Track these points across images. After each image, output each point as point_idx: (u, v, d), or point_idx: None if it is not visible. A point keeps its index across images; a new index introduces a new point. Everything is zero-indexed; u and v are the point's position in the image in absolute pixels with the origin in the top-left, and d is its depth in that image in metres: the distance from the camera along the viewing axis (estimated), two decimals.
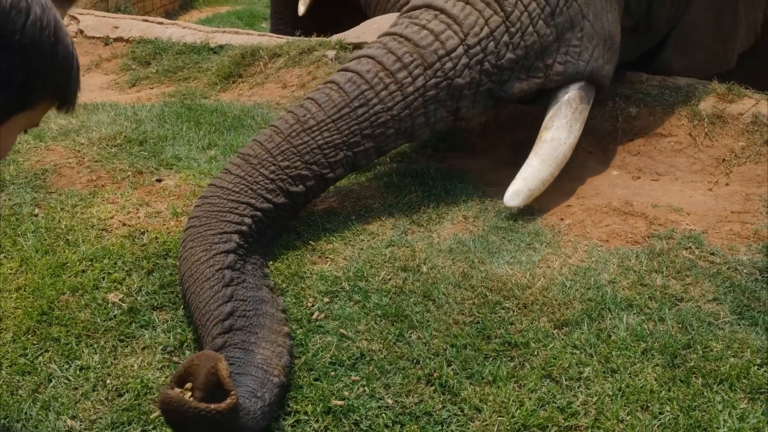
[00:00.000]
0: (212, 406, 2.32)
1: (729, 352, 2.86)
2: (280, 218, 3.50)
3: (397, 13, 5.26)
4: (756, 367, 2.78)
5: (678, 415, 2.58)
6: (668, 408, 2.61)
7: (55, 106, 1.77)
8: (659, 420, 2.56)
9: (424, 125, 3.82)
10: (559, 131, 4.03)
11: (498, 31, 3.84)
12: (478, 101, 3.93)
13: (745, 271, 3.34)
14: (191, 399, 2.33)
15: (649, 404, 2.63)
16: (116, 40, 7.69)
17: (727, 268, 3.36)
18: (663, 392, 2.68)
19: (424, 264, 3.41)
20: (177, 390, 2.35)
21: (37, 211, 3.82)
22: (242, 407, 2.46)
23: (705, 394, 2.67)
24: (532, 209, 3.98)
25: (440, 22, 3.84)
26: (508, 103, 4.24)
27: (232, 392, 2.35)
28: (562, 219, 3.87)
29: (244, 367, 2.69)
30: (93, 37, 7.83)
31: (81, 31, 7.96)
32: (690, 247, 3.52)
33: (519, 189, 3.86)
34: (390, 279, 3.32)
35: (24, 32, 1.59)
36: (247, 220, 3.29)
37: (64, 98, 1.76)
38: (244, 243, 3.23)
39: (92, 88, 6.77)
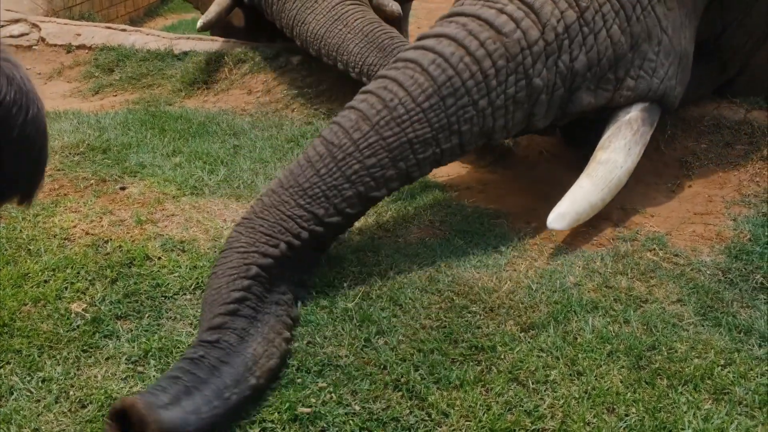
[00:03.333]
0: None
1: (693, 353, 2.88)
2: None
3: None
4: (720, 367, 2.81)
5: (644, 417, 2.59)
6: (634, 410, 2.62)
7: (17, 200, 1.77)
8: (625, 422, 2.58)
9: (503, 129, 3.50)
10: (615, 153, 3.68)
11: (572, 28, 3.48)
12: (551, 110, 3.56)
13: (708, 272, 3.38)
14: None
15: (615, 406, 2.65)
16: (79, 47, 7.61)
17: (691, 270, 3.40)
18: (629, 394, 2.69)
19: (391, 269, 3.41)
20: None
21: None
22: (200, 413, 2.50)
23: (670, 395, 2.69)
24: (498, 213, 3.99)
25: (517, 8, 3.46)
26: (570, 119, 3.78)
27: None
28: (528, 222, 3.88)
29: (231, 357, 2.70)
30: (55, 45, 7.74)
31: (43, 39, 7.86)
32: (654, 249, 3.55)
33: (565, 212, 3.53)
34: (357, 284, 3.31)
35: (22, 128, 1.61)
36: (304, 234, 3.10)
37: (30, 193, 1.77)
38: (294, 252, 3.08)
39: (54, 96, 6.69)
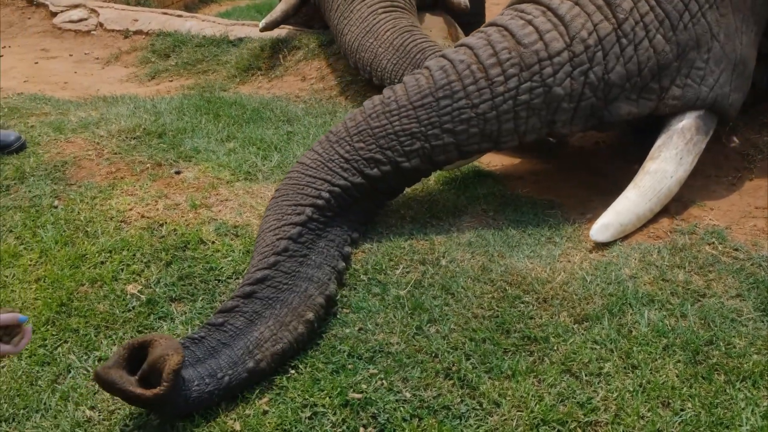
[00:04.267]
0: (139, 391, 2.42)
1: (752, 349, 2.81)
2: (363, 198, 3.48)
3: None
4: None
5: (699, 412, 2.54)
6: (690, 405, 2.58)
7: None
8: (680, 417, 2.53)
9: (513, 132, 3.54)
10: (666, 162, 3.64)
11: (607, 40, 3.49)
12: (578, 117, 3.57)
13: None
14: (124, 380, 2.42)
15: (670, 401, 2.60)
16: (136, 32, 7.71)
17: (751, 264, 3.32)
18: (684, 389, 2.64)
19: (443, 257, 3.39)
20: (115, 370, 2.44)
21: (56, 203, 3.83)
22: (190, 386, 2.58)
23: (727, 391, 2.63)
24: (552, 203, 3.95)
25: (547, 20, 3.53)
26: (613, 127, 3.87)
27: (164, 384, 2.42)
28: (582, 213, 3.83)
29: (233, 340, 2.77)
30: (113, 30, 7.86)
31: (101, 24, 7.98)
32: (713, 243, 3.48)
33: (609, 223, 3.51)
34: (409, 272, 3.30)
35: None
36: (324, 194, 3.31)
37: None
38: (320, 216, 3.26)
39: (112, 80, 6.79)
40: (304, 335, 2.88)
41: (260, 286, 2.93)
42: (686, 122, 3.68)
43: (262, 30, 6.60)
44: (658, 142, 3.72)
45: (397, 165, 3.47)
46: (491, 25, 3.67)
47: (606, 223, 3.50)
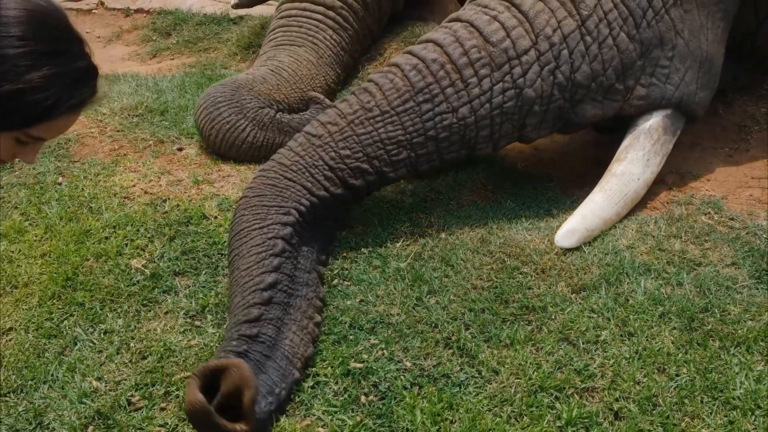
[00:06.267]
0: (230, 426, 2.29)
1: (747, 316, 2.86)
2: (338, 207, 3.33)
3: None
4: None
5: (694, 377, 2.59)
6: (685, 370, 2.62)
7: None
8: (676, 382, 2.58)
9: (488, 139, 3.40)
10: (632, 165, 3.52)
11: (571, 38, 3.36)
12: (547, 121, 3.44)
13: (764, 235, 3.33)
14: (214, 413, 2.28)
15: (665, 367, 2.65)
16: (137, 11, 7.72)
17: (746, 233, 3.36)
18: (680, 355, 2.69)
19: (443, 230, 3.43)
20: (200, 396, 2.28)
21: (60, 179, 3.88)
22: (258, 408, 2.45)
23: (722, 356, 2.68)
24: (551, 177, 3.98)
25: (512, 16, 3.38)
26: (578, 130, 3.79)
27: (248, 423, 2.32)
28: (580, 187, 3.86)
29: (273, 351, 2.66)
30: (114, 9, 7.86)
31: (102, 3, 7.98)
32: (709, 213, 3.51)
33: (575, 228, 3.34)
34: (409, 245, 3.34)
35: None
36: (305, 202, 3.13)
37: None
38: (303, 220, 3.10)
39: (113, 59, 6.80)
40: (318, 337, 2.85)
41: (274, 291, 2.80)
42: (653, 122, 3.58)
43: (235, 7, 6.59)
44: (625, 143, 3.61)
45: (383, 175, 3.32)
46: (455, 20, 3.50)
47: (572, 229, 3.34)
